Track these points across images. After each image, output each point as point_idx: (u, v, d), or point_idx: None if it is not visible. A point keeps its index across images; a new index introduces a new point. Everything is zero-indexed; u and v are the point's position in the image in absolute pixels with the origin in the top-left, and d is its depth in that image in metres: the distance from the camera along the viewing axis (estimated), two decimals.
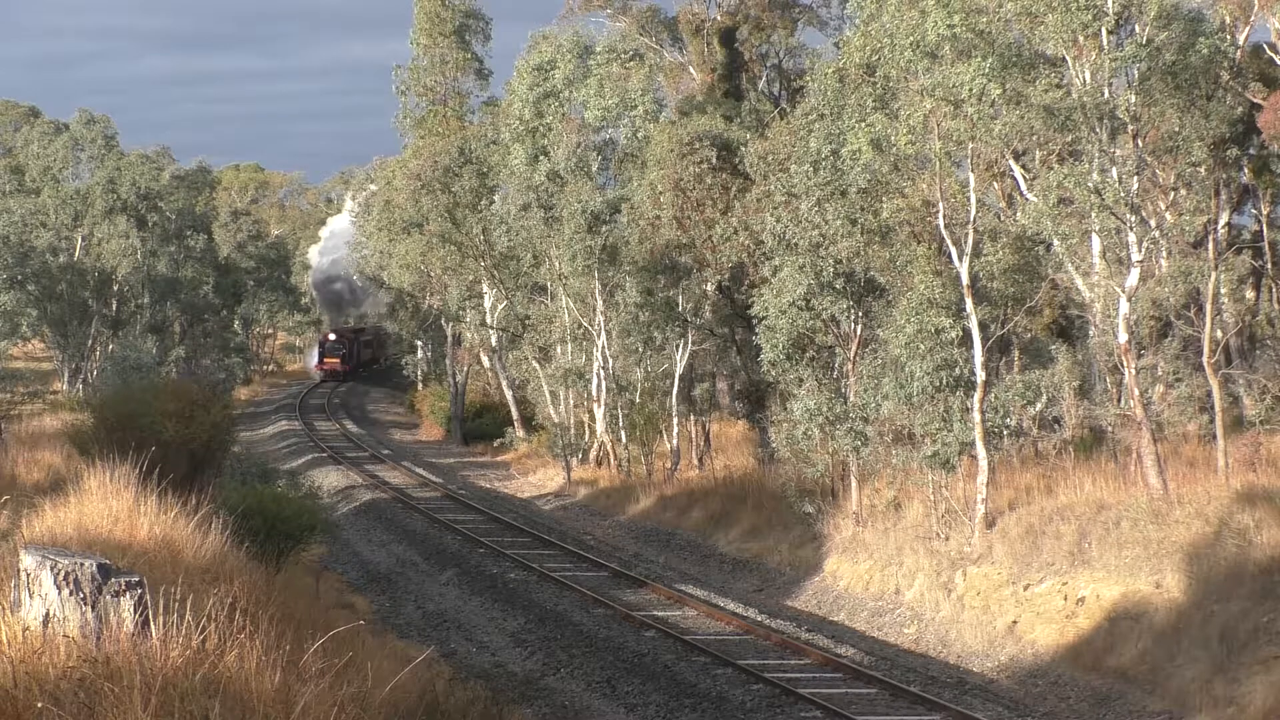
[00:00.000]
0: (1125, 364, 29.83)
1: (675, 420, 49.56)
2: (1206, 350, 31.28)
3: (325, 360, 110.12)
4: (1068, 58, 29.41)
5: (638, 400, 50.87)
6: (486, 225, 61.91)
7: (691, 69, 66.06)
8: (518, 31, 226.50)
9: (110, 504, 18.46)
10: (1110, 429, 32.94)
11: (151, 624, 10.33)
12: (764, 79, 67.47)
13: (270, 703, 10.05)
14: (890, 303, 33.69)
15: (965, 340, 31.39)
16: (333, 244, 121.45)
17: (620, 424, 51.61)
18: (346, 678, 12.04)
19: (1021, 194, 31.71)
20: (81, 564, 10.44)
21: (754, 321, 38.02)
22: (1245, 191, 42.78)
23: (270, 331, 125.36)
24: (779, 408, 39.89)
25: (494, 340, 69.17)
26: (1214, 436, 31.53)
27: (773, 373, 37.74)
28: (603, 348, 52.22)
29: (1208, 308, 31.73)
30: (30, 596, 10.39)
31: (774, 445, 38.72)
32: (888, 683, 23.79)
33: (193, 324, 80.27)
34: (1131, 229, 29.43)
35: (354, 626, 17.80)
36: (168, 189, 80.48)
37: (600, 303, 51.87)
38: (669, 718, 22.75)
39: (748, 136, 45.52)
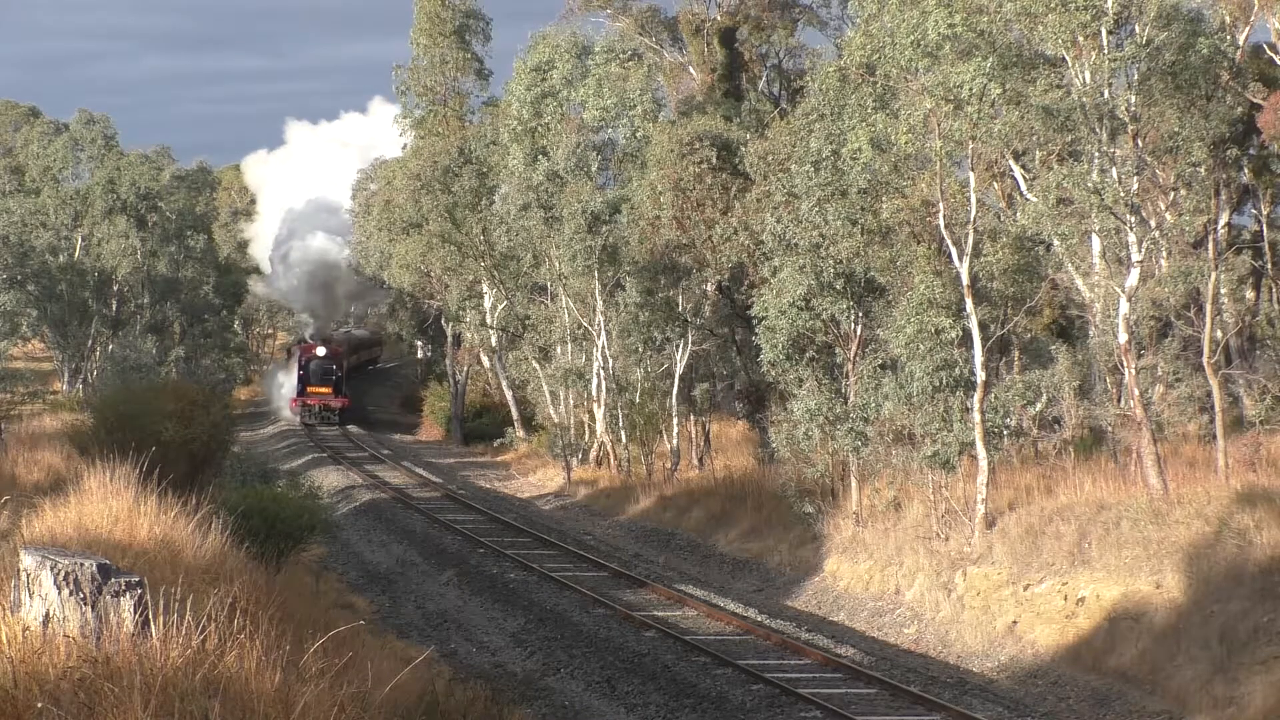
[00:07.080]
0: (1125, 364, 29.81)
1: (675, 420, 49.52)
2: (1206, 350, 31.28)
3: (310, 391, 78.93)
4: (1067, 58, 29.39)
5: (638, 400, 50.82)
6: (486, 225, 61.88)
7: (691, 69, 66.07)
8: (518, 31, 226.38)
9: (110, 504, 18.46)
10: (1110, 429, 32.93)
11: (151, 624, 10.33)
12: (764, 79, 67.50)
13: (270, 703, 10.05)
14: (890, 303, 33.68)
15: (965, 340, 31.38)
16: (292, 208, 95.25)
17: (620, 424, 51.57)
18: (346, 678, 12.04)
19: (1021, 194, 31.70)
20: (81, 564, 10.44)
21: (754, 321, 37.99)
22: (1245, 191, 42.80)
23: (270, 331, 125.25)
24: (779, 408, 39.87)
25: (494, 340, 69.13)
26: (1214, 436, 31.53)
27: (773, 373, 37.72)
28: (603, 348, 52.19)
29: (1208, 308, 31.72)
30: (30, 596, 10.39)
31: (774, 445, 38.68)
32: (888, 683, 23.77)
33: (192, 324, 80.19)
34: (1131, 229, 29.41)
35: (354, 626, 17.82)
36: (168, 189, 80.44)
37: (600, 303, 51.84)
38: (669, 718, 22.74)
39: (748, 136, 45.49)
